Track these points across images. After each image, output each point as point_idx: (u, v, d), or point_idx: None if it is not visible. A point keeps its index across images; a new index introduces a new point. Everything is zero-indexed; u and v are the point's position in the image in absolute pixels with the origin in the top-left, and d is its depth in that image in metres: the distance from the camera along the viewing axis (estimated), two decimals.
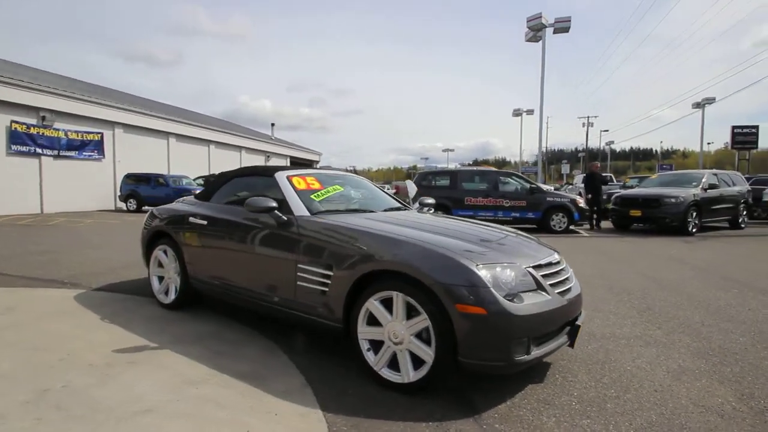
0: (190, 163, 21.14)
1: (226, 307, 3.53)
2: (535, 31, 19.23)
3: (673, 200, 9.20)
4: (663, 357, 2.70)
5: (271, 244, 2.71)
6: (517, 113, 35.64)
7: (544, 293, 2.12)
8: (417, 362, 2.11)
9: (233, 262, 2.97)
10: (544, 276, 2.20)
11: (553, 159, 70.38)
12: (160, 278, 3.60)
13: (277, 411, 1.97)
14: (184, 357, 2.54)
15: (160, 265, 3.59)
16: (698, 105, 30.43)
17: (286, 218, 2.67)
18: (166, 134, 20.25)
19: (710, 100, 29.54)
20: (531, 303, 2.01)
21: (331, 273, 2.36)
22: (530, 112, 34.59)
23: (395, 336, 2.14)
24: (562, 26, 19.03)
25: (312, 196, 2.92)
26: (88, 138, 16.03)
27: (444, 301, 1.97)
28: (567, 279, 2.38)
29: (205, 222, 3.16)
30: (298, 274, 2.51)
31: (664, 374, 2.45)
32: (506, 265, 2.09)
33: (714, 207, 9.82)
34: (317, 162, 39.90)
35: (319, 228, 2.55)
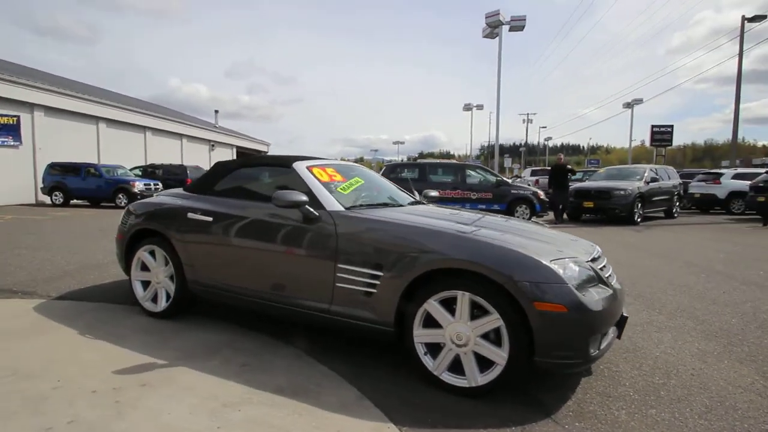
0: (123, 152, 19.19)
1: (223, 313, 3.18)
2: (492, 27, 19.91)
3: (621, 192, 9.98)
4: (680, 341, 2.85)
5: (302, 243, 2.44)
6: (467, 108, 36.75)
7: (605, 287, 2.10)
8: (483, 365, 2.01)
9: (250, 263, 2.64)
10: (600, 269, 2.19)
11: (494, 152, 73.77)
12: (145, 283, 3.15)
13: (346, 429, 1.76)
14: (206, 374, 2.22)
15: (145, 268, 3.13)
16: (628, 105, 33.45)
17: (317, 213, 2.41)
18: (96, 119, 18.18)
19: (638, 101, 32.64)
20: (600, 297, 1.99)
21: (380, 273, 2.17)
22: (480, 107, 35.90)
23: (458, 338, 2.02)
24: (518, 24, 19.90)
25: (339, 189, 2.68)
26: (1, 122, 13.90)
27: (520, 299, 1.87)
28: (612, 271, 2.41)
29: (210, 218, 2.79)
30: (338, 275, 2.29)
31: (690, 358, 2.58)
32: (572, 260, 2.05)
33: (654, 198, 10.81)
34: (266, 152, 38.28)
35: (362, 224, 2.33)
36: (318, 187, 2.58)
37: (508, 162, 47.57)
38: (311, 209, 2.41)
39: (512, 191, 10.11)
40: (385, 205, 2.79)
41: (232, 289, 2.71)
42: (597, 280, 2.10)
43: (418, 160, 12.70)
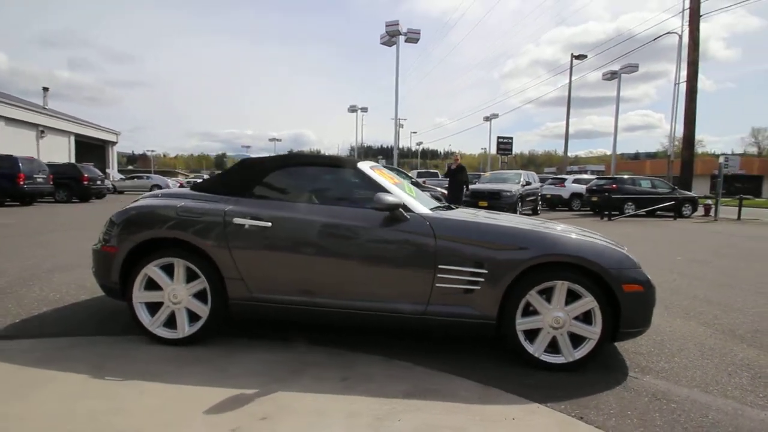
0: None
1: (239, 331, 2.85)
2: (391, 36, 20.97)
3: (508, 193, 11.81)
4: (680, 320, 3.39)
5: (396, 247, 2.41)
6: (352, 109, 37.52)
7: (641, 269, 2.68)
8: (574, 342, 2.36)
9: (329, 271, 2.45)
10: None
11: (366, 153, 76.84)
12: (152, 305, 2.60)
13: (509, 414, 1.89)
14: (316, 394, 2.03)
15: (152, 287, 2.59)
16: (487, 118, 39.08)
17: (408, 216, 2.43)
18: None
19: (495, 116, 38.57)
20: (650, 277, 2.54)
21: (483, 271, 2.33)
22: (365, 109, 37.10)
23: (556, 322, 2.33)
24: (413, 37, 21.43)
25: (408, 192, 2.71)
26: None
27: (612, 284, 2.28)
28: None
29: (268, 224, 2.48)
30: (438, 275, 2.35)
31: (702, 336, 2.98)
32: (624, 248, 2.56)
33: (527, 198, 13.07)
34: (114, 143, 32.24)
35: (457, 226, 2.45)
36: (396, 190, 2.58)
37: (383, 163, 50.35)
38: (404, 212, 2.41)
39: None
40: (438, 208, 2.91)
41: (299, 301, 2.48)
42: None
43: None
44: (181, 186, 35.36)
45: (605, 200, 13.16)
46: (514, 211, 11.76)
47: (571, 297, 2.35)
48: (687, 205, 14.04)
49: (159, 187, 27.68)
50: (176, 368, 2.27)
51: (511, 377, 2.28)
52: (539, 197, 14.78)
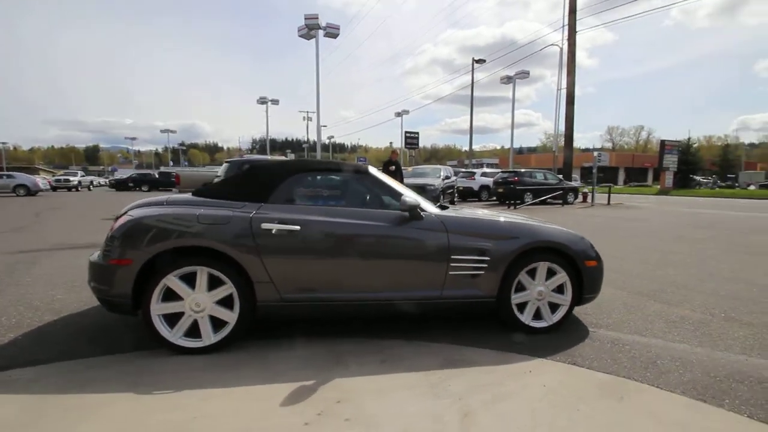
0: None
1: (260, 332, 2.96)
2: (310, 29, 20.40)
3: (432, 187, 12.77)
4: (648, 278, 4.51)
5: (415, 242, 2.76)
6: (262, 101, 35.61)
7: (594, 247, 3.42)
8: (553, 309, 2.99)
9: (355, 268, 2.69)
10: None
11: (273, 147, 73.81)
12: (170, 317, 2.57)
13: (529, 368, 2.40)
14: (373, 375, 2.31)
15: (170, 297, 2.56)
16: (399, 114, 40.49)
17: (423, 214, 2.80)
18: None
19: (406, 112, 40.24)
20: None
21: (487, 258, 2.82)
22: (275, 101, 35.47)
23: (540, 295, 2.93)
24: (332, 32, 21.14)
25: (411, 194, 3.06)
26: None
27: (578, 262, 2.95)
28: None
29: (297, 227, 2.62)
30: (451, 264, 2.78)
31: (622, 297, 3.74)
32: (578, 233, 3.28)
33: (447, 191, 14.25)
34: None
35: (464, 222, 2.89)
36: (408, 192, 2.92)
37: (291, 157, 49.18)
38: (420, 212, 2.78)
39: None
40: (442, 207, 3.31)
41: (327, 297, 2.69)
42: None
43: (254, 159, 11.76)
44: (51, 185, 30.06)
45: (509, 191, 14.98)
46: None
47: (549, 274, 2.97)
48: (571, 193, 16.69)
49: (26, 187, 23.32)
50: (219, 374, 2.32)
51: (510, 342, 2.81)
52: (455, 189, 16.18)
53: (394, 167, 11.27)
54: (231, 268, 2.57)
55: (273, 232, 2.61)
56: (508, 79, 24.44)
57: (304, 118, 49.69)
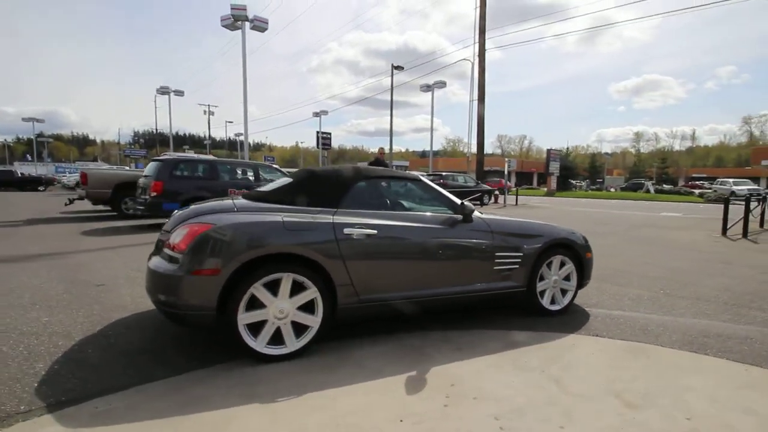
0: None
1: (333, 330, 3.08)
2: (236, 20, 18.86)
3: None
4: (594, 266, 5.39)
5: (472, 242, 3.15)
6: (164, 92, 31.75)
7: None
8: (563, 294, 3.64)
9: (425, 267, 2.98)
10: None
11: (163, 142, 66.64)
12: (255, 326, 2.57)
13: (568, 343, 2.96)
14: (465, 360, 2.62)
15: (254, 306, 2.56)
16: (317, 114, 39.94)
17: (473, 217, 3.22)
18: None
19: (325, 112, 39.89)
20: None
21: (521, 254, 3.34)
22: (179, 93, 31.94)
23: (555, 283, 3.56)
24: (260, 26, 19.86)
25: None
26: None
27: (581, 254, 3.65)
28: None
29: (374, 231, 2.80)
30: (496, 261, 3.23)
31: (591, 283, 5.10)
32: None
33: None
34: None
35: (502, 223, 3.37)
36: (455, 197, 3.30)
37: (190, 153, 45.34)
38: (471, 215, 3.19)
39: None
40: None
41: (399, 296, 2.92)
42: None
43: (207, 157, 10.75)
44: None
45: None
46: None
47: (560, 265, 3.62)
48: (486, 195, 18.61)
49: None
50: (316, 376, 2.40)
51: (538, 324, 3.37)
52: None
53: (378, 165, 11.39)
54: (315, 274, 2.66)
55: (354, 236, 2.77)
56: (428, 87, 26.23)
57: (204, 111, 46.09)
